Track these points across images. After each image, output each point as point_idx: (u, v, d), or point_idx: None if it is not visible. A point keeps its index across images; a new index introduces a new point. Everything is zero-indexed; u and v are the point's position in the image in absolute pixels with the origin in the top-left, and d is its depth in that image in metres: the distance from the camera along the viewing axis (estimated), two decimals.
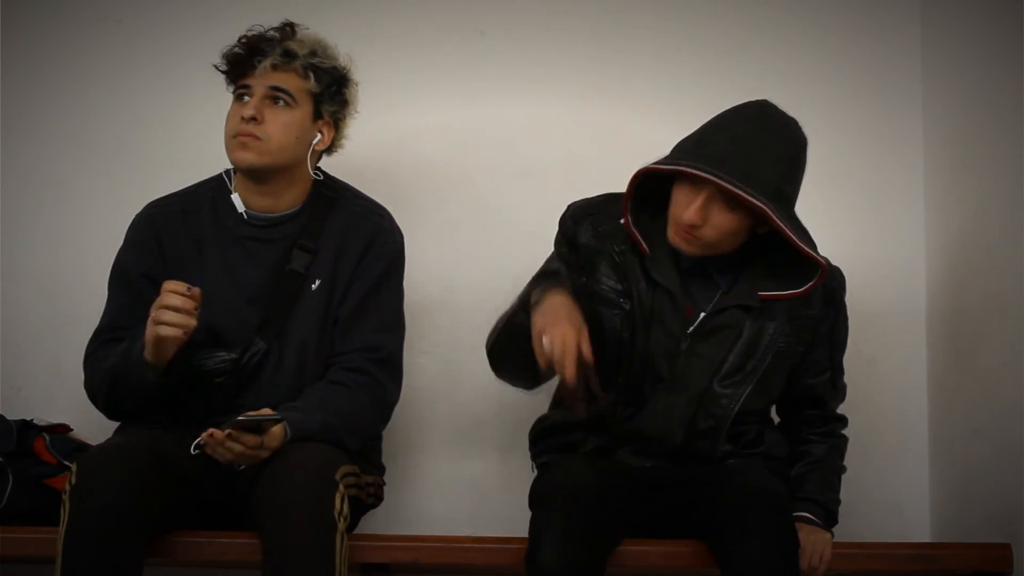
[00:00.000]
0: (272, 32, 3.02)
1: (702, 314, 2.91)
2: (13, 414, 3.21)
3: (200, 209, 3.07)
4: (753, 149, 2.78)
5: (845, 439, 3.10)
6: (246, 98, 2.99)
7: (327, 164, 3.15)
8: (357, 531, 3.00)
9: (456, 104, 3.58)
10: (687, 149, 2.82)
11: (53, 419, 3.21)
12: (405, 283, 3.11)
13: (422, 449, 3.43)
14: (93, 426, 3.07)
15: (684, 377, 2.91)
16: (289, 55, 2.99)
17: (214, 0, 3.58)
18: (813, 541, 2.89)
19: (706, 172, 2.74)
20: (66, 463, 3.04)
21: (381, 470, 3.12)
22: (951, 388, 3.37)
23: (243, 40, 3.03)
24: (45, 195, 3.55)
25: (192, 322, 2.80)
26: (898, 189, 3.56)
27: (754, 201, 2.73)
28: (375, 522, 3.19)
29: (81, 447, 3.11)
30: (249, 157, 2.98)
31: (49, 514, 2.82)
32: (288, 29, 3.03)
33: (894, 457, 3.48)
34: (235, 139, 2.98)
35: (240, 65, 3.01)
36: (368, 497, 3.02)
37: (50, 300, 3.51)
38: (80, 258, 3.47)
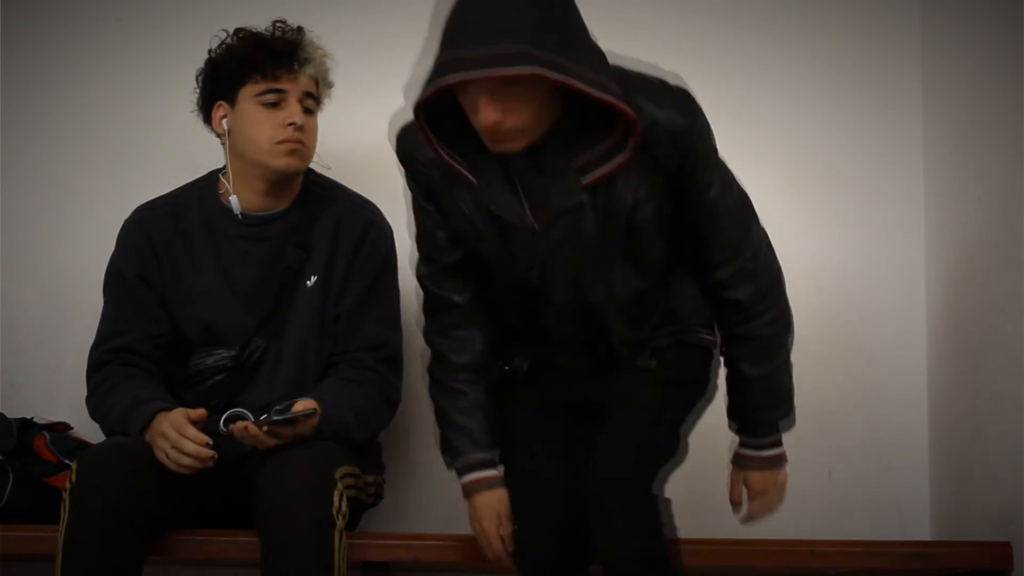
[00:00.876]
0: (297, 37, 3.04)
1: (543, 223, 2.59)
2: (13, 412, 3.21)
3: (189, 210, 3.08)
4: (493, 14, 2.39)
5: (776, 319, 2.72)
6: (274, 103, 3.01)
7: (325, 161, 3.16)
8: (357, 529, 3.00)
9: None
10: (440, 55, 2.47)
11: (53, 417, 3.21)
12: (402, 281, 3.12)
13: (422, 446, 3.42)
14: (93, 424, 3.07)
15: (553, 289, 2.66)
16: (320, 63, 3.05)
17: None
18: (760, 479, 2.81)
19: (463, 75, 2.38)
20: (66, 461, 3.04)
21: (381, 469, 3.13)
22: (951, 386, 3.37)
23: (260, 40, 3.03)
24: (46, 194, 3.56)
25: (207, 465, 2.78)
26: (898, 188, 3.56)
27: (522, 71, 2.36)
28: (375, 520, 3.19)
29: (81, 445, 3.12)
30: (296, 163, 3.02)
31: (49, 512, 2.83)
32: (301, 32, 3.06)
33: (894, 455, 3.48)
34: (282, 145, 3.00)
35: (267, 66, 3.01)
36: (368, 497, 3.02)
37: (51, 299, 3.51)
38: (81, 257, 3.47)
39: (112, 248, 3.11)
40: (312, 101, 3.04)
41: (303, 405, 2.80)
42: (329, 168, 3.15)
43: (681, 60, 3.56)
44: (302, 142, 3.00)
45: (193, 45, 3.30)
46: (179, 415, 2.78)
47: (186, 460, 2.74)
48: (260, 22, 3.07)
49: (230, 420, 2.84)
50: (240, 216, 3.05)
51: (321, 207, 3.08)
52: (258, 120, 3.00)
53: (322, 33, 3.11)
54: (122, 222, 3.13)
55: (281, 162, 3.00)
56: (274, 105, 3.00)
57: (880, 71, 3.61)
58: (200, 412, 2.80)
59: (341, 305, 3.04)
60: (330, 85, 3.11)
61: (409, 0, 3.58)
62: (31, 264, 3.53)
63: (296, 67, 3.01)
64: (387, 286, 3.08)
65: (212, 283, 3.02)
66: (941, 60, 3.51)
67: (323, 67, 3.06)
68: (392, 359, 3.04)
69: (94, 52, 3.60)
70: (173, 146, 3.52)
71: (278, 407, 2.81)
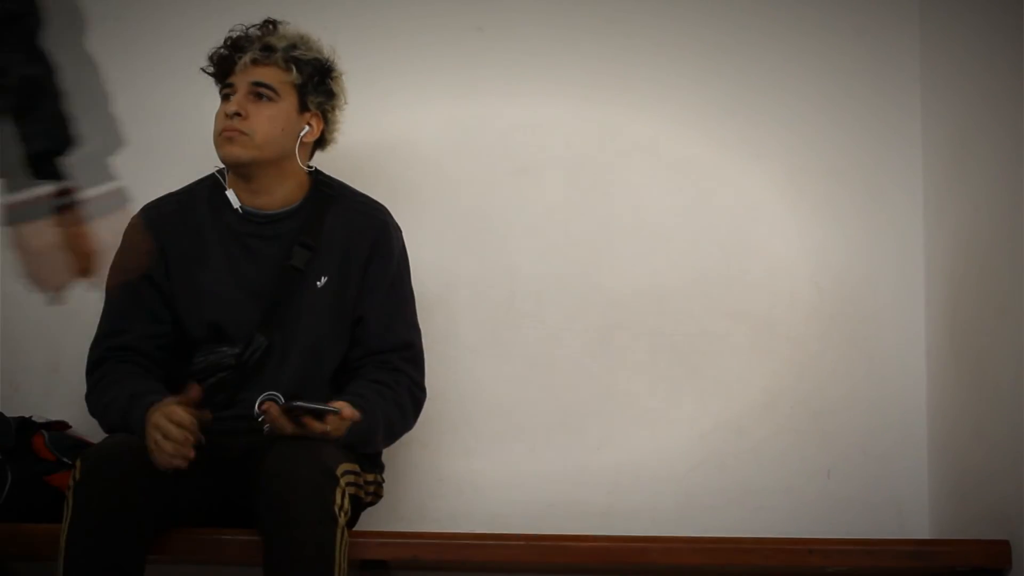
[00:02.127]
0: (253, 30, 3.07)
1: None
2: (12, 411, 3.21)
3: (196, 207, 3.08)
4: None
5: None
6: (227, 96, 3.04)
7: (323, 160, 3.15)
8: (356, 528, 3.00)
9: (454, 101, 3.57)
10: None
11: (52, 416, 3.21)
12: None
13: (421, 446, 3.43)
14: (91, 423, 3.06)
15: None
16: (269, 49, 3.03)
17: None
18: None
19: None
20: (65, 460, 3.04)
21: (381, 468, 3.12)
22: (950, 385, 3.38)
23: (226, 41, 3.08)
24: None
25: (190, 453, 2.73)
26: (897, 186, 3.56)
27: None
28: (374, 519, 3.19)
29: (80, 444, 3.11)
30: (236, 151, 3.00)
31: (48, 511, 2.83)
32: (269, 26, 3.07)
33: (893, 454, 3.47)
34: (221, 136, 3.01)
35: (224, 65, 3.06)
36: (367, 495, 3.02)
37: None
38: None
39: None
40: (267, 89, 3.02)
41: (334, 405, 2.81)
42: (310, 168, 3.11)
43: (680, 57, 3.60)
44: (239, 130, 2.99)
45: (191, 42, 3.30)
46: (169, 402, 2.77)
47: (168, 447, 2.70)
48: (255, 20, 3.07)
49: (264, 402, 2.84)
50: (240, 211, 3.05)
51: (329, 207, 3.07)
52: (215, 117, 3.05)
53: (317, 29, 3.10)
54: None
55: (222, 151, 3.01)
56: (227, 99, 3.04)
57: (879, 69, 3.61)
58: (194, 389, 2.80)
59: (361, 309, 3.03)
60: (307, 70, 3.04)
61: None
62: None
63: (237, 59, 3.03)
64: (404, 287, 3.10)
65: (219, 281, 3.01)
66: (940, 58, 3.51)
67: (274, 54, 3.02)
68: (416, 359, 3.06)
69: (94, 50, 3.58)
70: (171, 142, 3.51)
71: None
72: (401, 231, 3.13)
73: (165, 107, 3.52)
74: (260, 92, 3.02)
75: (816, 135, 3.57)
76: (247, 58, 3.02)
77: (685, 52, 3.59)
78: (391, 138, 3.56)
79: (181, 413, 2.74)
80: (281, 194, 3.06)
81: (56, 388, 3.40)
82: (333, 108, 3.10)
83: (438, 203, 3.55)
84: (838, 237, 3.53)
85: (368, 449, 2.98)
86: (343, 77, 3.11)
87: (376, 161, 3.52)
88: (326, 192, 3.10)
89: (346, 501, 2.73)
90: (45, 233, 1.98)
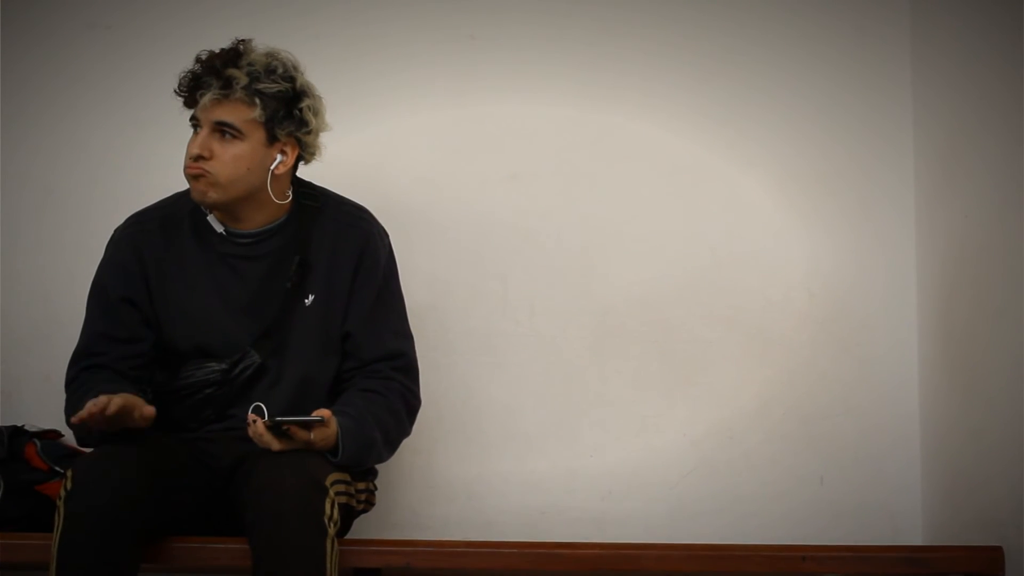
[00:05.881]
0: (217, 60, 2.89)
1: None
2: (4, 420, 3.22)
3: (179, 225, 3.02)
4: None
5: None
6: (194, 127, 2.92)
7: (316, 167, 3.14)
8: (349, 536, 3.00)
9: (447, 108, 3.58)
10: None
11: (44, 425, 3.21)
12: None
13: (414, 453, 3.43)
14: None
15: None
16: (228, 86, 2.86)
17: (203, 4, 3.57)
18: None
19: None
20: (57, 469, 3.04)
21: (373, 475, 3.12)
22: (942, 391, 3.38)
23: (195, 65, 2.92)
24: (37, 201, 3.54)
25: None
26: (889, 193, 3.57)
27: None
28: (367, 526, 3.19)
29: (72, 453, 3.11)
30: (201, 189, 2.90)
31: (39, 520, 2.83)
32: (232, 53, 2.89)
33: (886, 460, 3.48)
34: (187, 172, 2.91)
35: (189, 93, 2.91)
36: (359, 503, 3.01)
37: (41, 306, 3.50)
38: (71, 264, 3.46)
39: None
40: (230, 129, 2.86)
41: (317, 413, 2.80)
42: (289, 196, 3.04)
43: (671, 64, 3.61)
44: (204, 170, 2.88)
45: (183, 50, 3.29)
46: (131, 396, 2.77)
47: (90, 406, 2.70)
48: (248, 29, 3.05)
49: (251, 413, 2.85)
50: (225, 234, 3.00)
51: (315, 221, 3.02)
52: (187, 144, 2.94)
53: (307, 38, 3.09)
54: (111, 228, 3.10)
55: (190, 187, 2.93)
56: (195, 131, 2.92)
57: (870, 77, 3.61)
58: (151, 410, 2.79)
59: (348, 323, 3.00)
60: (271, 105, 2.89)
61: (399, 4, 3.62)
62: (22, 271, 3.52)
63: (199, 96, 2.87)
64: (391, 295, 3.05)
65: (206, 303, 2.98)
66: (931, 66, 3.52)
67: (235, 91, 2.85)
68: (407, 367, 3.03)
69: (84, 58, 3.59)
70: (165, 152, 3.48)
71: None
72: (388, 236, 3.09)
73: (156, 116, 3.50)
74: (224, 131, 2.89)
75: (808, 142, 3.58)
76: (208, 97, 2.86)
77: (677, 59, 3.59)
78: (383, 145, 3.57)
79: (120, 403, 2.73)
80: (261, 217, 2.99)
81: (48, 397, 3.39)
82: (307, 133, 2.95)
83: (430, 209, 3.56)
84: (830, 243, 3.54)
85: (372, 461, 2.96)
86: (319, 99, 2.96)
87: (369, 168, 3.52)
88: (309, 204, 3.03)
89: (336, 512, 2.73)
90: None
